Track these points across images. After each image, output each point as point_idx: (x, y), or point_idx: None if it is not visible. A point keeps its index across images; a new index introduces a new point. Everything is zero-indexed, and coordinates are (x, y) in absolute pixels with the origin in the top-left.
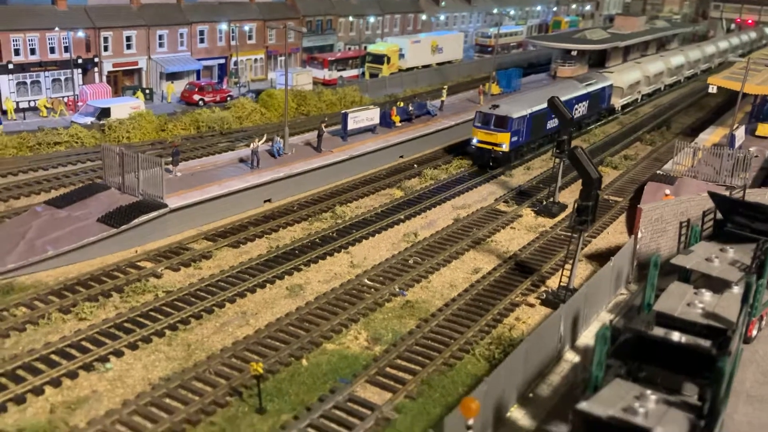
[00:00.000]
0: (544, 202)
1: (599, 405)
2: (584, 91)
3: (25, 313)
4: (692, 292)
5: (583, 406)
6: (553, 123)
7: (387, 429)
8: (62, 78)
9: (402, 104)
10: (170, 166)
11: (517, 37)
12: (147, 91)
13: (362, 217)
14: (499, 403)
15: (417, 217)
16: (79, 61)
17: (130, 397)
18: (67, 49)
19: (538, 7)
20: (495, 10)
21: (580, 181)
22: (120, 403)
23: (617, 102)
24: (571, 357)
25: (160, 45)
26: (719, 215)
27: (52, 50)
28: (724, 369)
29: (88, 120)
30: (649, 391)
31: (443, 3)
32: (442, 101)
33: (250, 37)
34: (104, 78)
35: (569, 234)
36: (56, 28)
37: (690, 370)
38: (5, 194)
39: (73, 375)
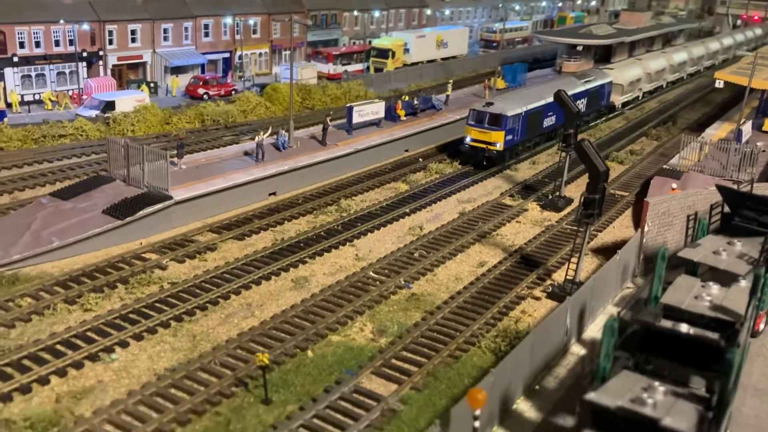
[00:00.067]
0: (550, 196)
1: (607, 396)
2: (582, 88)
3: (30, 303)
4: (700, 285)
5: (591, 396)
6: (550, 121)
7: (393, 420)
8: (67, 71)
9: (407, 98)
10: (175, 159)
11: (522, 33)
12: (152, 85)
13: (367, 210)
14: (506, 395)
15: (422, 210)
16: (84, 54)
17: (136, 388)
18: (72, 43)
19: (544, 3)
20: (500, 6)
21: (587, 175)
22: (125, 394)
23: (617, 99)
24: (578, 350)
25: (165, 39)
26: (727, 209)
27: (57, 43)
28: (733, 360)
29: (93, 113)
30: (657, 383)
31: None
32: (447, 95)
33: (254, 31)
34: (109, 71)
35: (575, 228)
36: (61, 21)
37: (698, 362)
38: (10, 186)
39: (78, 365)
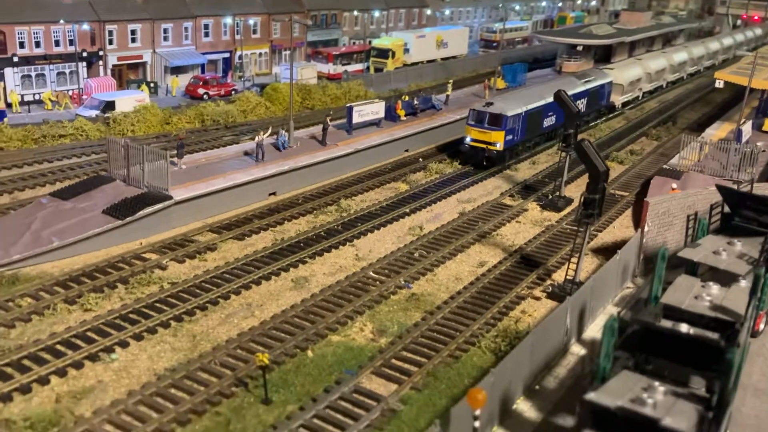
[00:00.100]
0: (550, 196)
1: (607, 396)
2: (582, 88)
3: (30, 303)
4: (700, 285)
5: (591, 396)
6: (550, 121)
7: (392, 420)
8: (67, 71)
9: (407, 98)
10: (175, 159)
11: (522, 33)
12: (151, 85)
13: (367, 210)
14: (506, 395)
15: (422, 210)
16: (84, 54)
17: (136, 388)
18: (72, 43)
19: (544, 3)
20: (500, 6)
21: (586, 175)
22: (125, 393)
23: (617, 99)
24: (578, 350)
25: (165, 39)
26: (727, 209)
27: (57, 43)
28: (734, 360)
29: (93, 113)
30: (657, 383)
31: None
32: (447, 95)
33: (254, 31)
34: (109, 71)
35: (575, 228)
36: (61, 21)
37: (698, 362)
38: (10, 186)
39: (78, 365)
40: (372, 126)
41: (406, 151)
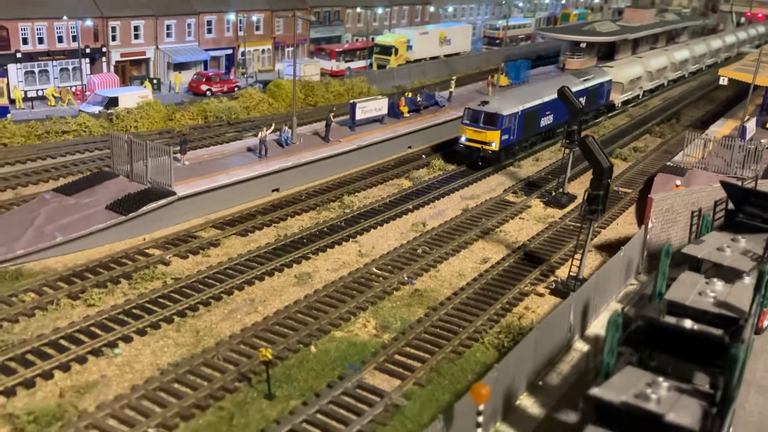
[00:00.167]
0: (554, 193)
1: (611, 391)
2: (581, 87)
3: (33, 298)
4: (704, 281)
5: (595, 391)
6: (547, 120)
7: (396, 416)
8: (70, 67)
9: (410, 95)
10: (178, 155)
11: (525, 30)
12: (154, 81)
13: (370, 206)
14: (509, 390)
15: (425, 207)
16: (87, 50)
17: (139, 382)
18: (75, 39)
19: (547, 0)
20: (503, 2)
21: (590, 172)
22: (129, 388)
23: (617, 98)
24: (581, 346)
25: (168, 35)
26: (731, 205)
27: (60, 39)
28: (738, 355)
29: (96, 109)
30: (661, 378)
31: None
32: (451, 92)
33: (257, 28)
34: (112, 68)
35: (578, 225)
36: (64, 17)
37: (702, 358)
38: (14, 182)
39: (82, 360)
40: (375, 123)
41: (409, 147)
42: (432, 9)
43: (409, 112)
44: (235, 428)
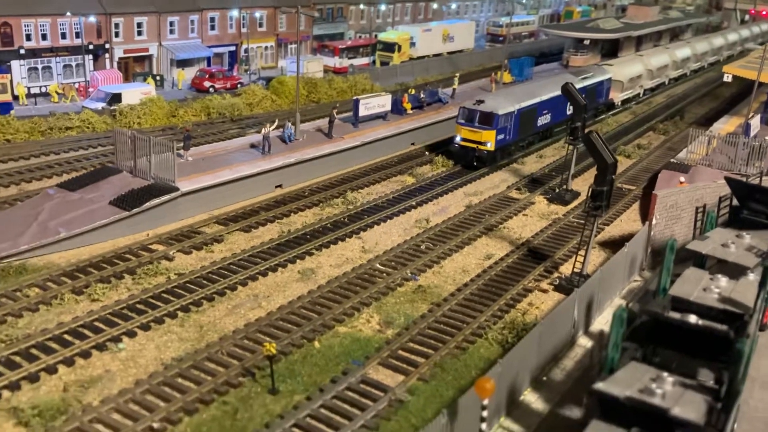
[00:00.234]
0: (557, 190)
1: (616, 386)
2: (579, 86)
3: (37, 293)
4: (708, 277)
5: (600, 386)
6: (544, 120)
7: (399, 410)
8: (73, 64)
9: (413, 91)
10: (182, 151)
11: (528, 27)
12: (157, 78)
13: (374, 203)
14: (513, 385)
15: (429, 203)
16: (90, 47)
17: (143, 377)
18: (78, 35)
19: None
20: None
21: (593, 168)
22: (133, 383)
23: (616, 96)
24: (585, 342)
25: (171, 32)
26: (735, 201)
27: (64, 36)
28: (743, 350)
29: (99, 105)
30: (665, 374)
31: None
32: (454, 89)
33: (260, 25)
34: (115, 64)
35: (582, 221)
36: (68, 14)
37: (707, 353)
38: (18, 177)
39: (86, 354)
40: (378, 119)
41: (413, 144)
42: (435, 6)
43: (412, 108)
44: (239, 423)
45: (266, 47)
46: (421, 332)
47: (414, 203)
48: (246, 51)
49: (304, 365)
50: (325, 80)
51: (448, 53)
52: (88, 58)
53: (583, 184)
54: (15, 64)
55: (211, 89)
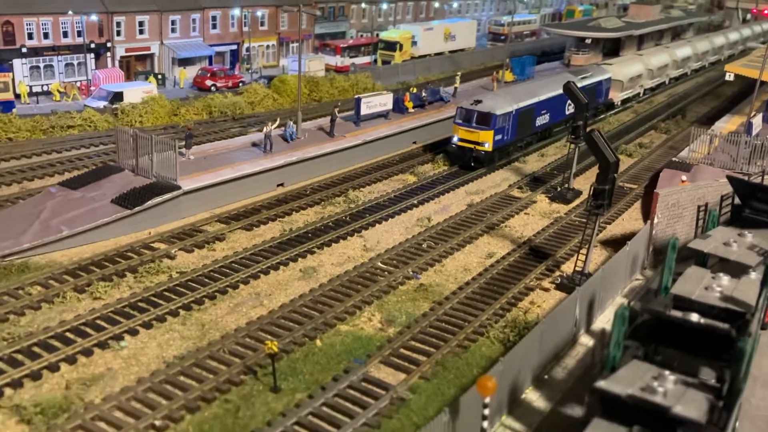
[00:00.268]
0: (559, 189)
1: (617, 384)
2: (578, 85)
3: (39, 291)
4: (710, 276)
5: (602, 384)
6: (543, 120)
7: (401, 409)
8: (75, 62)
9: (415, 90)
10: (183, 149)
11: (530, 26)
12: (159, 77)
13: (375, 201)
14: (515, 384)
15: (430, 202)
16: (92, 45)
17: (145, 375)
18: (80, 34)
19: None
20: None
21: (595, 167)
22: (135, 381)
23: (616, 96)
24: (586, 341)
25: (173, 30)
26: (737, 200)
27: (65, 34)
28: (745, 349)
29: (101, 104)
30: (667, 372)
31: None
32: (456, 88)
33: (262, 23)
34: (117, 63)
35: (584, 220)
36: (69, 12)
37: (708, 352)
38: (20, 176)
39: (88, 352)
40: (380, 118)
41: (414, 143)
42: (437, 5)
43: (414, 107)
44: (241, 421)
45: (268, 46)
46: (422, 330)
47: (415, 202)
48: (248, 50)
49: (305, 363)
50: (327, 79)
51: (450, 52)
52: (90, 57)
53: (584, 183)
54: (17, 62)
55: (212, 88)
